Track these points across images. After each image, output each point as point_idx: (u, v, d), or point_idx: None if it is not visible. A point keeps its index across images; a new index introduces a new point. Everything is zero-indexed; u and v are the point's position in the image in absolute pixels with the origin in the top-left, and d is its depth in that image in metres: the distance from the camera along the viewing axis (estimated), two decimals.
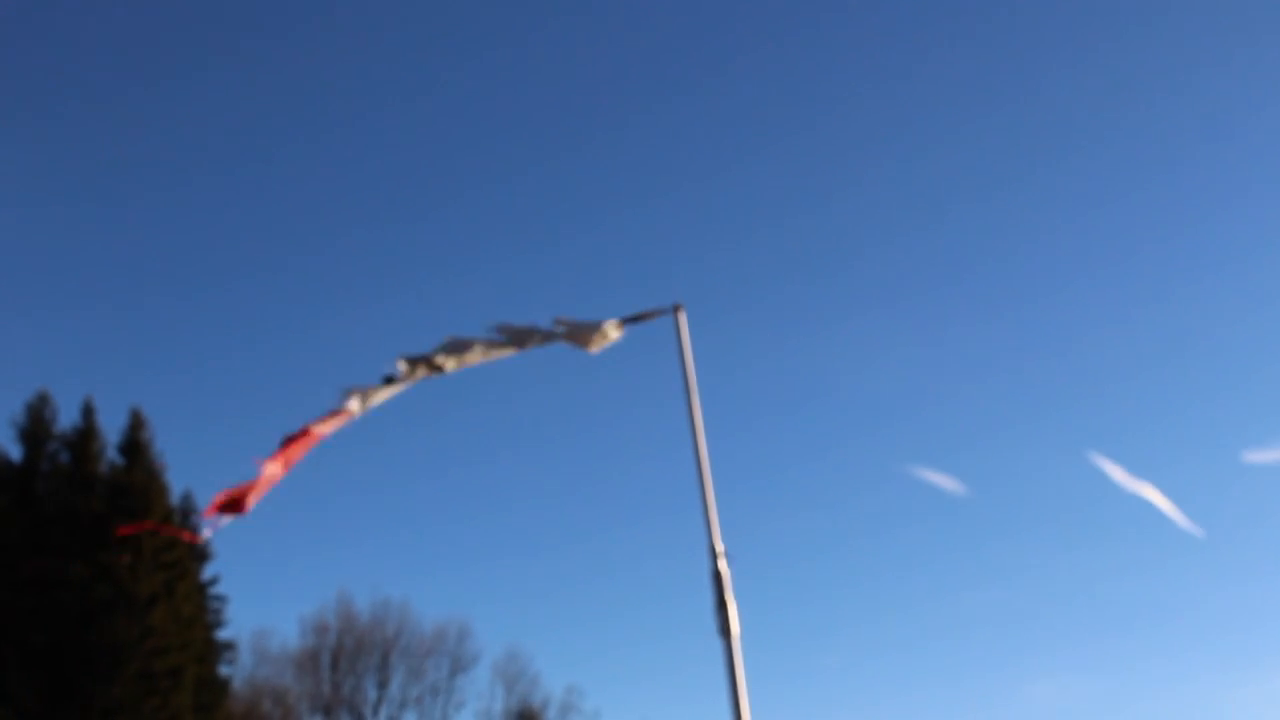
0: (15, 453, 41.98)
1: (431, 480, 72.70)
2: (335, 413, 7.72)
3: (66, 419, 42.89)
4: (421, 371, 7.87)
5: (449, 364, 7.91)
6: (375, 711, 50.96)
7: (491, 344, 8.01)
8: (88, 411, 42.72)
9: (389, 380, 7.84)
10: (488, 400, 73.93)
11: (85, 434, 42.30)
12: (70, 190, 75.10)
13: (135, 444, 42.40)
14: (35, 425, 42.44)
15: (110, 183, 75.90)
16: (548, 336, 8.11)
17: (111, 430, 42.92)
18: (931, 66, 79.12)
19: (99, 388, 71.73)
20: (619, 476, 74.02)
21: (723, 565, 7.52)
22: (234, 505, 7.19)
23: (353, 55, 78.89)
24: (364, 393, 7.80)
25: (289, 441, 7.48)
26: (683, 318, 8.10)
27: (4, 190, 72.19)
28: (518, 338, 8.05)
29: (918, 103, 79.60)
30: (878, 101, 79.97)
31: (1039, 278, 76.79)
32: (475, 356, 7.97)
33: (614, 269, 75.50)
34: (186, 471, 61.48)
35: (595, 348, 8.22)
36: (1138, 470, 73.11)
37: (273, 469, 7.33)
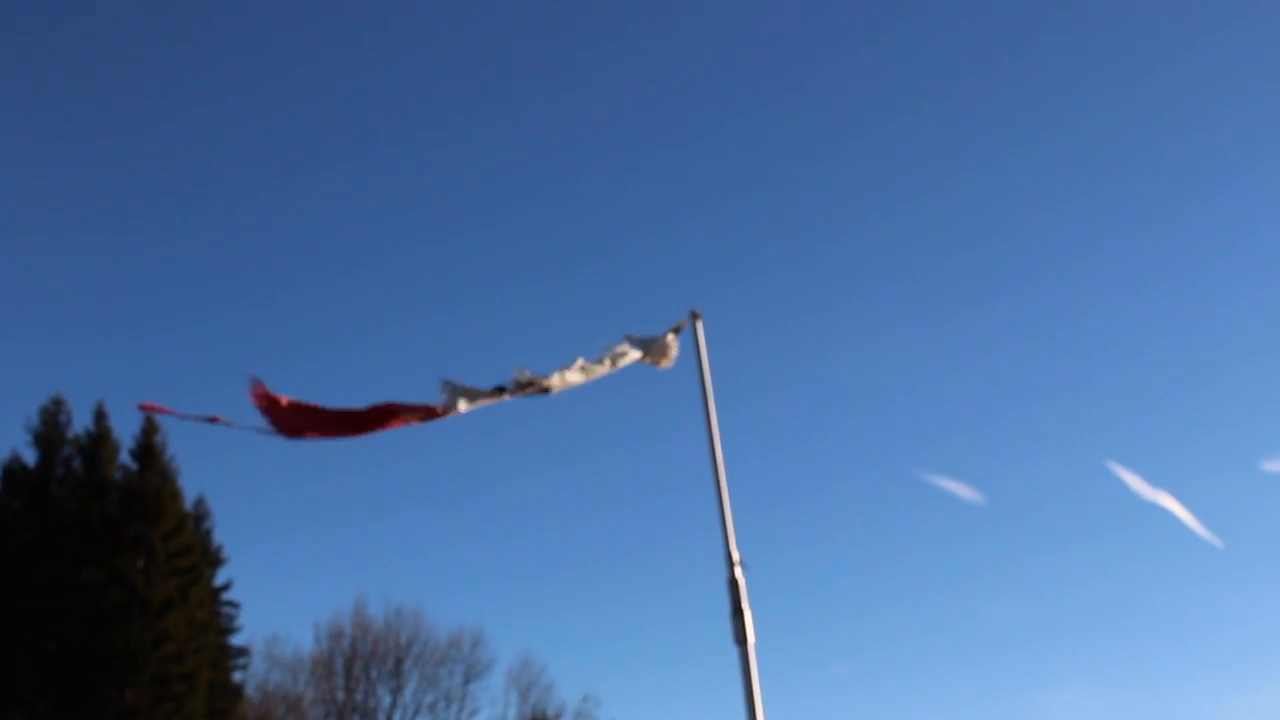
0: (30, 457, 42.11)
1: (447, 487, 72.85)
2: (430, 408, 7.53)
3: (80, 424, 43.03)
4: (530, 389, 7.70)
5: (554, 384, 7.78)
6: (389, 718, 50.93)
7: (589, 365, 7.89)
8: (100, 416, 42.81)
9: (498, 390, 7.68)
10: (501, 408, 73.78)
11: (98, 439, 42.34)
12: (84, 196, 75.41)
13: (148, 449, 42.43)
14: (49, 430, 42.51)
15: (125, 189, 76.19)
16: (624, 356, 8.00)
17: (124, 435, 43.04)
18: (965, 85, 79.09)
19: (112, 392, 71.92)
20: (635, 483, 74.05)
21: (739, 573, 7.49)
22: (285, 419, 7.07)
23: (380, 77, 79.15)
24: (470, 393, 7.63)
25: (370, 413, 7.32)
26: (700, 325, 8.07)
27: (18, 196, 72.47)
28: (609, 359, 7.94)
29: (939, 115, 79.53)
30: (897, 113, 79.94)
31: (1059, 289, 76.74)
32: (576, 377, 7.86)
33: (631, 277, 75.52)
34: (199, 476, 61.72)
35: (667, 363, 8.16)
36: (1156, 480, 72.77)
37: (330, 420, 7.21)
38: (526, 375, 7.67)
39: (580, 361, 7.88)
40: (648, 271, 74.70)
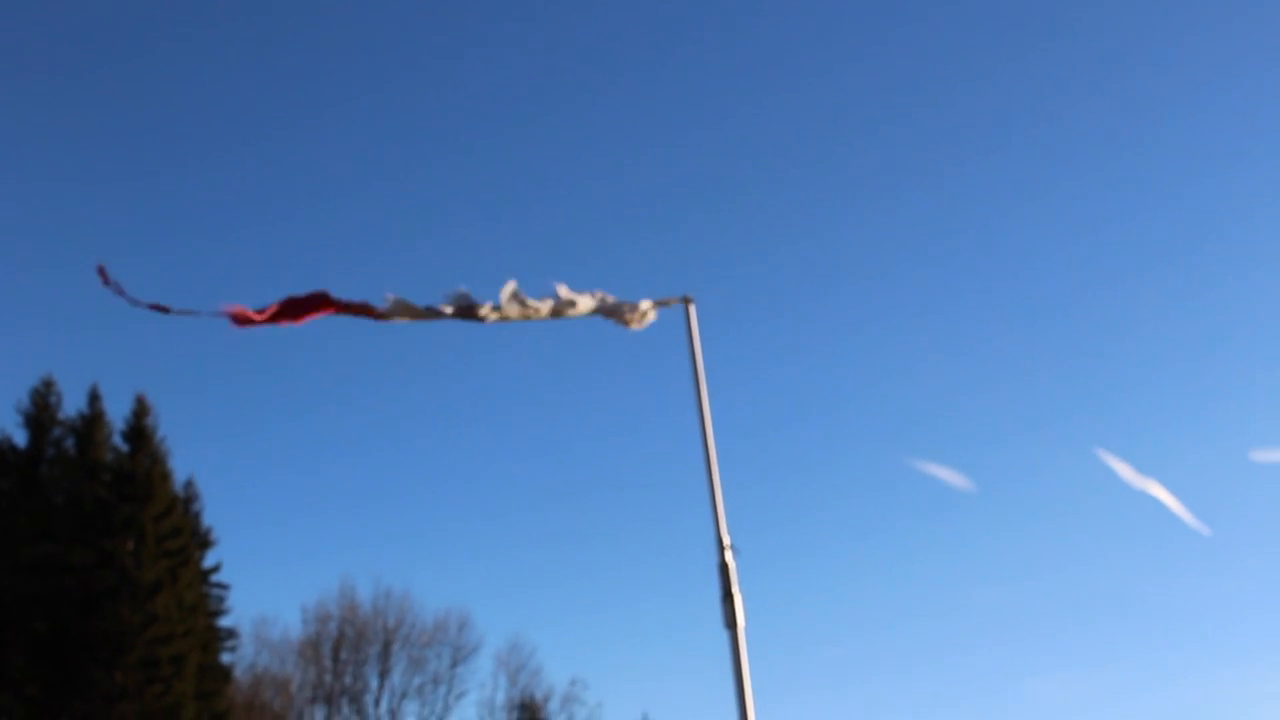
0: (20, 438, 42.10)
1: (435, 469, 72.82)
2: (369, 306, 7.46)
3: (71, 405, 43.00)
4: (464, 314, 7.56)
5: (486, 313, 7.64)
6: (376, 701, 51.04)
7: (527, 300, 7.74)
8: (94, 398, 42.73)
9: (431, 310, 7.55)
10: (493, 390, 74.04)
11: (91, 421, 42.30)
12: (75, 176, 75.18)
13: (139, 430, 42.38)
14: (40, 411, 42.48)
15: (115, 168, 75.97)
16: (572, 306, 7.87)
17: (116, 416, 42.99)
18: (956, 78, 79.11)
19: (104, 374, 71.82)
20: (626, 468, 74.06)
21: (729, 558, 7.52)
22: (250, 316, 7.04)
23: (361, 37, 78.96)
24: (406, 306, 7.54)
25: (308, 300, 7.25)
26: (693, 310, 8.07)
27: (9, 176, 72.27)
28: (560, 305, 7.82)
29: (930, 108, 79.55)
30: (890, 104, 79.96)
31: (1048, 274, 76.80)
32: (512, 310, 7.70)
33: (625, 261, 75.50)
34: (189, 458, 61.58)
35: (637, 325, 8.07)
36: (1145, 468, 72.32)
37: (282, 312, 7.18)
38: (464, 297, 7.53)
39: (513, 287, 7.71)
40: (642, 257, 74.71)
